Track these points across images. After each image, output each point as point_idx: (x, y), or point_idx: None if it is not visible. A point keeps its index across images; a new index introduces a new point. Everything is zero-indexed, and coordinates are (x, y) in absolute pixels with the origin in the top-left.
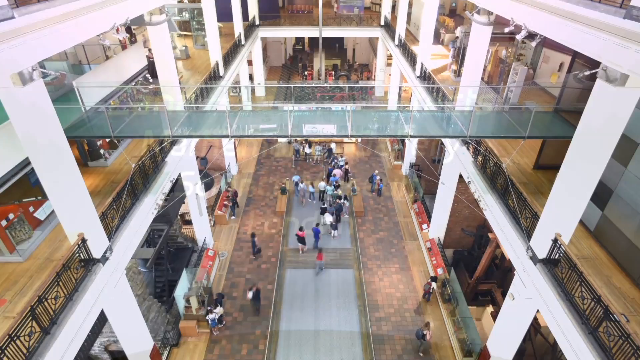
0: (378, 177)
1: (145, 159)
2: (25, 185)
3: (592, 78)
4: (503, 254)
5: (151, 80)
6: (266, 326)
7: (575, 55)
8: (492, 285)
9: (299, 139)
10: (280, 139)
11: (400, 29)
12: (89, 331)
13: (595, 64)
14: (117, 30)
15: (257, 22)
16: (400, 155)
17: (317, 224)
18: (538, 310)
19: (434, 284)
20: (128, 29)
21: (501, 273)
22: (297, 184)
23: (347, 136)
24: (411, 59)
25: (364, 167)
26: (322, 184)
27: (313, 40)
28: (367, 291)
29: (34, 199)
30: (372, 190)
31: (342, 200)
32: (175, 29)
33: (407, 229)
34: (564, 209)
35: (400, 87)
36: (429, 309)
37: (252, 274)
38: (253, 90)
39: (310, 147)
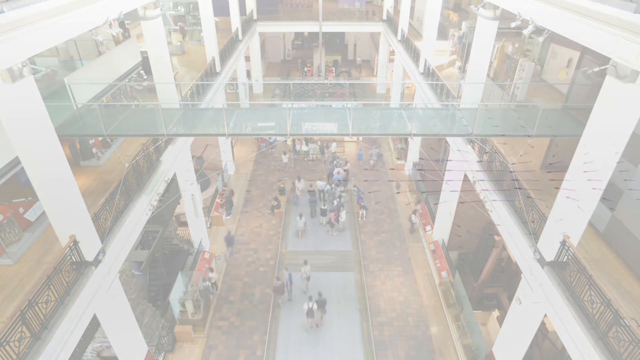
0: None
1: (139, 159)
2: (15, 186)
3: (602, 75)
4: (509, 256)
5: (145, 77)
6: (264, 331)
7: (584, 51)
8: (498, 288)
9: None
10: (278, 138)
11: (403, 23)
12: (81, 336)
13: (605, 59)
14: (111, 25)
15: (255, 17)
16: (403, 154)
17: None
18: (546, 315)
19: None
20: (121, 24)
21: (507, 276)
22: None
23: (348, 134)
24: (414, 54)
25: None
26: (320, 183)
27: (313, 36)
28: (368, 295)
29: (24, 199)
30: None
31: (341, 200)
32: (170, 23)
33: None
34: (573, 210)
35: (403, 84)
36: (432, 312)
37: (250, 277)
38: (251, 87)
39: (307, 144)
